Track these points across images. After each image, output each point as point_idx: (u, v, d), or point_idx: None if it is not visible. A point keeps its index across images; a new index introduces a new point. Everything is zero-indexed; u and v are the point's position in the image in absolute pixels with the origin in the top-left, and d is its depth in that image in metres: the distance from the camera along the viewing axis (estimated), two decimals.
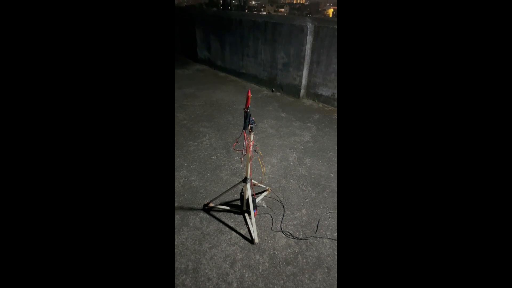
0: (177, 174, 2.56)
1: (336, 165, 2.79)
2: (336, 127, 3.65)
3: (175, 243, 1.84)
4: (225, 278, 1.63)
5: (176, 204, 2.20)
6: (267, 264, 1.73)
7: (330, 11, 71.21)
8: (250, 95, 1.58)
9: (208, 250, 1.81)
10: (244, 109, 1.65)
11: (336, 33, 3.84)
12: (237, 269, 1.69)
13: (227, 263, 1.72)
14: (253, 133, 1.73)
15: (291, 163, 2.82)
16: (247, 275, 1.66)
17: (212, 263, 1.72)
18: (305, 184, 2.51)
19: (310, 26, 4.05)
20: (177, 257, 1.75)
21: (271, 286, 1.60)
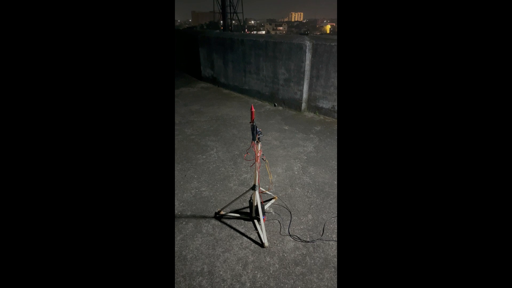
0: (188, 185, 2.71)
1: None
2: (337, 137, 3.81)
3: (190, 248, 1.97)
4: (238, 279, 1.74)
5: (189, 213, 2.33)
6: (277, 265, 1.84)
7: (328, 27, 73.46)
8: (253, 109, 1.77)
9: (221, 254, 1.92)
10: (250, 122, 1.83)
11: (333, 49, 4.10)
12: (250, 271, 1.80)
13: (240, 265, 1.84)
14: (260, 143, 1.89)
15: (296, 172, 2.96)
16: (259, 275, 1.77)
17: (226, 265, 1.84)
18: (310, 191, 2.64)
19: (308, 44, 4.32)
20: (192, 261, 1.86)
21: (282, 285, 1.70)
